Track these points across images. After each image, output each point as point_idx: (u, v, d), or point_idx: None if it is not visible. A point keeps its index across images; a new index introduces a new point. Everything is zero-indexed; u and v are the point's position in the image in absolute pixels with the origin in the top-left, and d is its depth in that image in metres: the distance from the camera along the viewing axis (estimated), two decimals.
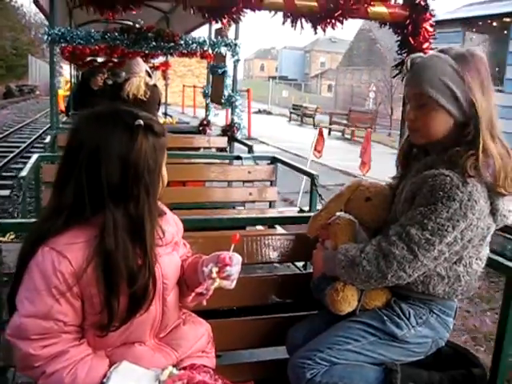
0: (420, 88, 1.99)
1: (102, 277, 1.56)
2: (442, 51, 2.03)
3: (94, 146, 1.56)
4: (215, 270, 1.73)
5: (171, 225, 1.85)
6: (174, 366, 1.77)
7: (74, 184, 1.57)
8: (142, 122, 1.59)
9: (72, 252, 1.54)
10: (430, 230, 1.89)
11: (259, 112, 34.07)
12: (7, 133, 17.03)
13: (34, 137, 16.33)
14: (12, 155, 12.40)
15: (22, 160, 11.48)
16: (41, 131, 17.71)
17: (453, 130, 1.98)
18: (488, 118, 1.92)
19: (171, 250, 1.82)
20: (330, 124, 25.19)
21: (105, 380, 1.59)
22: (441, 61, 1.99)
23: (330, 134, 23.71)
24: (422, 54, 2.11)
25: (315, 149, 9.33)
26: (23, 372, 1.67)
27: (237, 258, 1.77)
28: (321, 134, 9.66)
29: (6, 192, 8.00)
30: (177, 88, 32.21)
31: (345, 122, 24.72)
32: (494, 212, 1.96)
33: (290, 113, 32.05)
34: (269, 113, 36.29)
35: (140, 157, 1.58)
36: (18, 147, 13.82)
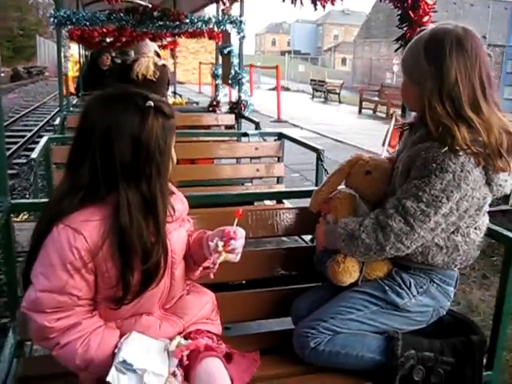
0: (401, 60, 2.13)
1: (118, 253, 1.62)
2: (432, 28, 2.08)
3: (105, 127, 1.61)
4: (221, 243, 1.79)
5: (178, 202, 1.91)
6: (180, 334, 1.83)
7: (89, 164, 1.62)
8: (152, 104, 1.64)
9: (87, 229, 1.60)
10: (424, 201, 1.93)
11: (274, 89, 32.83)
12: (12, 119, 15.45)
13: (42, 123, 14.82)
14: (15, 147, 10.83)
15: (25, 153, 10.35)
16: (48, 117, 16.33)
17: (423, 104, 2.01)
18: (451, 97, 1.94)
19: (178, 225, 1.88)
20: (361, 101, 22.86)
21: (116, 350, 1.66)
22: (418, 37, 2.06)
23: (360, 112, 22.42)
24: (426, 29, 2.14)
25: (389, 144, 8.74)
26: (38, 343, 1.75)
27: (241, 232, 1.83)
28: (396, 125, 9.08)
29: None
30: (190, 65, 31.28)
31: (376, 98, 22.54)
32: (489, 182, 1.99)
33: (313, 89, 29.68)
34: (287, 89, 33.61)
35: (151, 137, 1.63)
36: (22, 137, 12.19)
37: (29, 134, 12.52)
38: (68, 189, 1.67)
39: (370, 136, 12.23)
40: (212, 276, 1.89)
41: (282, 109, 17.66)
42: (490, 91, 1.98)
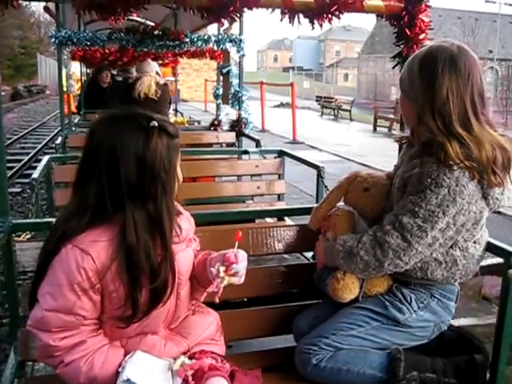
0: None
1: (125, 273, 1.63)
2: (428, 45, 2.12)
3: (111, 148, 1.63)
4: (222, 269, 1.80)
5: (185, 222, 1.92)
6: (185, 354, 1.83)
7: (95, 184, 1.65)
8: (156, 124, 1.66)
9: (95, 250, 1.61)
10: (421, 217, 1.94)
11: (281, 105, 31.65)
12: (10, 141, 14.38)
13: (40, 146, 13.95)
14: (11, 173, 9.80)
15: (19, 181, 9.74)
16: (47, 138, 15.55)
17: (418, 120, 2.04)
18: (442, 114, 1.97)
19: (185, 246, 1.89)
20: (376, 119, 21.94)
21: (120, 369, 1.66)
22: (416, 53, 2.11)
23: (375, 130, 21.63)
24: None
25: None
26: (43, 360, 1.77)
27: (242, 255, 1.83)
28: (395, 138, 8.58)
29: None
30: (193, 82, 31.02)
31: (391, 115, 21.09)
32: (485, 196, 2.00)
33: (322, 106, 28.72)
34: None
35: (156, 157, 1.65)
36: (18, 161, 11.17)
37: (26, 158, 11.70)
38: (75, 209, 1.69)
39: (393, 158, 12.14)
40: (217, 300, 1.89)
41: (287, 127, 17.01)
42: (481, 110, 2.00)
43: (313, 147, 14.98)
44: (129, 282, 1.64)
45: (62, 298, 1.61)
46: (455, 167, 1.91)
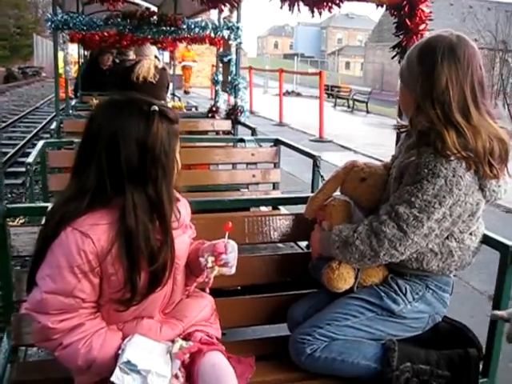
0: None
1: (125, 255, 1.65)
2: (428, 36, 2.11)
3: (112, 132, 1.65)
4: (211, 259, 1.82)
5: (183, 208, 1.92)
6: (183, 338, 1.85)
7: (95, 168, 1.66)
8: (157, 108, 1.68)
9: (96, 233, 1.63)
10: (417, 207, 1.94)
11: (287, 93, 28.50)
12: None
13: (30, 135, 12.37)
14: None
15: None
16: (39, 126, 13.95)
17: (418, 109, 2.04)
18: (441, 103, 1.96)
19: (182, 232, 1.91)
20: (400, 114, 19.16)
21: (120, 352, 1.67)
22: (416, 45, 2.10)
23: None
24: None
25: None
26: (40, 344, 1.77)
27: (231, 246, 1.84)
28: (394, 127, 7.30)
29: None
30: (194, 68, 30.73)
31: None
32: (482, 188, 2.00)
33: (336, 97, 25.15)
34: (298, 94, 29.81)
35: (156, 141, 1.67)
36: (4, 154, 9.49)
37: (12, 151, 10.21)
38: (74, 192, 1.69)
39: None
40: (207, 290, 1.91)
41: (306, 119, 15.72)
42: (481, 99, 2.00)
43: (344, 147, 12.52)
44: (128, 265, 1.65)
45: (62, 281, 1.62)
46: (452, 157, 1.91)
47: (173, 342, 1.81)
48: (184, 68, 24.73)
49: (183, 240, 1.90)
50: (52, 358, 1.80)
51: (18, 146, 10.90)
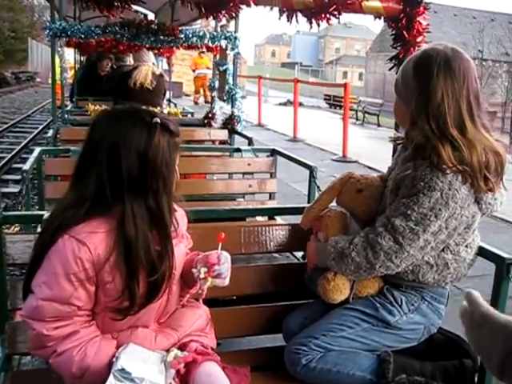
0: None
1: (124, 264, 1.65)
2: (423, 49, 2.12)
3: (114, 141, 1.66)
4: (204, 270, 1.82)
5: (180, 218, 1.93)
6: (178, 348, 1.84)
7: (95, 176, 1.67)
8: (158, 120, 1.69)
9: (92, 241, 1.63)
10: (413, 220, 1.95)
11: (288, 103, 26.50)
12: None
13: (18, 148, 11.04)
14: None
15: None
16: (29, 137, 12.61)
17: (413, 123, 2.04)
18: (437, 117, 1.97)
19: (178, 241, 1.90)
20: (397, 126, 14.58)
21: (114, 360, 1.66)
22: (411, 57, 2.11)
23: None
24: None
25: None
26: (35, 351, 1.75)
27: (224, 257, 1.85)
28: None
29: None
30: (192, 76, 29.79)
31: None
32: (478, 201, 2.01)
33: (365, 112, 21.24)
34: (299, 104, 25.64)
35: (158, 152, 1.68)
36: None
37: None
38: (73, 200, 1.70)
39: None
40: (201, 301, 1.94)
41: (319, 134, 14.51)
42: (477, 112, 2.01)
43: (372, 169, 10.04)
44: (126, 274, 1.66)
45: (58, 288, 1.62)
46: (448, 171, 1.91)
47: (167, 351, 1.80)
48: (197, 77, 22.43)
49: (179, 250, 1.89)
50: (46, 367, 1.80)
51: (5, 160, 9.80)
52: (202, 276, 1.82)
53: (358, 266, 2.06)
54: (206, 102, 20.45)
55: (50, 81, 8.03)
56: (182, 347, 1.85)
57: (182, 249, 1.93)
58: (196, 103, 22.41)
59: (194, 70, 22.37)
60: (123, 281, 1.66)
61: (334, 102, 27.51)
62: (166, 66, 14.77)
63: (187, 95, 25.56)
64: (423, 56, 2.05)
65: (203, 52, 18.48)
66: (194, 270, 1.84)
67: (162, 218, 1.71)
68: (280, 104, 27.87)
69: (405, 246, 1.97)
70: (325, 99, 29.90)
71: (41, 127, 14.81)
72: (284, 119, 16.39)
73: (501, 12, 49.59)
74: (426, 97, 1.98)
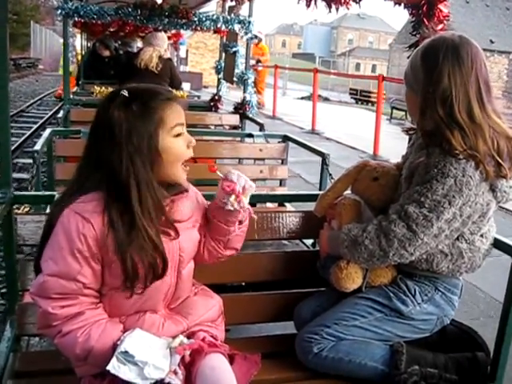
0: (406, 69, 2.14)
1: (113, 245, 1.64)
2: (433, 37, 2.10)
3: (94, 120, 1.72)
4: (232, 199, 1.82)
5: (193, 201, 1.91)
6: (183, 333, 1.82)
7: (86, 158, 1.73)
8: (125, 93, 1.68)
9: (95, 219, 1.63)
10: (427, 207, 1.93)
11: (309, 97, 22.53)
12: None
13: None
14: None
15: None
16: (19, 141, 9.77)
17: (424, 110, 2.02)
18: (445, 103, 1.95)
19: (191, 225, 1.89)
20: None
21: (118, 342, 1.65)
22: (423, 45, 2.08)
23: None
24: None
25: None
26: (42, 330, 1.74)
27: (232, 174, 1.86)
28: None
29: None
30: (207, 64, 27.40)
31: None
32: (493, 189, 1.98)
33: (392, 108, 18.44)
34: (325, 99, 24.61)
35: (114, 125, 1.65)
36: None
37: None
38: (73, 181, 1.74)
39: None
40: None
41: (346, 131, 13.27)
42: (487, 98, 1.99)
43: None
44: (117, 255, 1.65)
45: (64, 264, 1.62)
46: (461, 156, 1.89)
47: (174, 338, 1.78)
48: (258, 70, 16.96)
49: (191, 233, 1.88)
50: (54, 348, 1.78)
51: None
52: (236, 206, 1.81)
53: (372, 254, 2.04)
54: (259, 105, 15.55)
55: (60, 69, 7.98)
56: (190, 336, 1.83)
57: (194, 233, 1.91)
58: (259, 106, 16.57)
59: (260, 62, 16.87)
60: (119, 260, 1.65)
61: (361, 97, 26.00)
62: (183, 55, 14.40)
63: (205, 87, 22.69)
64: (430, 44, 2.04)
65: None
66: (228, 207, 1.82)
67: (127, 195, 1.65)
68: (302, 98, 25.11)
69: (418, 234, 1.95)
70: (350, 93, 28.10)
71: (35, 126, 11.74)
72: (303, 113, 15.45)
73: None
74: (434, 84, 1.96)
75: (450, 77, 1.94)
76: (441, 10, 2.64)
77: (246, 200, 1.82)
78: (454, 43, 1.97)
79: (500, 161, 1.92)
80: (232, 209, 1.82)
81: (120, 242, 1.63)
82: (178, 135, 1.76)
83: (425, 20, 2.66)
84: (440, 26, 2.66)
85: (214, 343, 1.82)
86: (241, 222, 1.96)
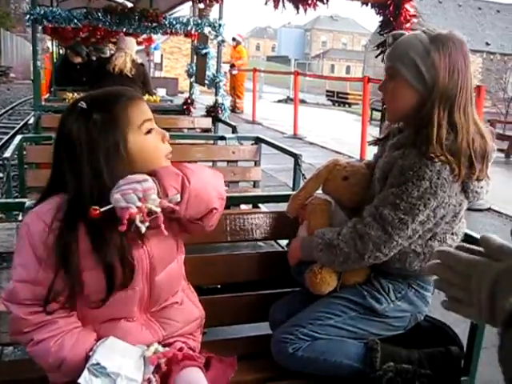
0: (391, 62, 2.06)
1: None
2: (423, 32, 2.05)
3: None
4: (138, 221, 1.56)
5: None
6: (159, 343, 1.79)
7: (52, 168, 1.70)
8: (83, 105, 1.61)
9: (48, 218, 1.60)
10: (402, 209, 1.94)
11: (287, 100, 24.39)
12: None
13: None
14: None
15: None
16: None
17: (418, 108, 2.01)
18: (450, 101, 1.95)
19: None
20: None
21: (90, 353, 1.63)
22: (416, 39, 2.02)
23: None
24: (404, 32, 2.15)
25: None
26: (14, 336, 1.72)
27: (115, 202, 1.52)
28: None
29: None
30: (182, 69, 28.24)
31: (510, 133, 13.39)
32: (465, 189, 2.01)
33: (372, 109, 16.78)
34: (302, 101, 22.15)
35: (74, 140, 1.60)
36: None
37: None
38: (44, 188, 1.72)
39: None
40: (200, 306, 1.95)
41: (329, 135, 13.06)
42: (475, 97, 2.02)
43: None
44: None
45: (30, 268, 1.59)
46: (436, 160, 1.90)
47: (149, 346, 1.74)
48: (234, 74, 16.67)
49: (162, 239, 1.71)
50: (28, 357, 1.76)
51: None
52: (146, 224, 1.57)
53: (347, 257, 2.04)
54: (234, 108, 16.11)
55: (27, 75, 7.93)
56: (167, 345, 1.80)
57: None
58: (236, 110, 16.55)
59: (234, 66, 16.58)
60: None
61: (338, 99, 26.00)
62: (157, 60, 14.40)
63: (181, 92, 21.74)
64: (439, 35, 1.99)
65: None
66: (143, 231, 1.57)
67: (83, 208, 1.55)
68: (279, 101, 25.24)
69: (393, 236, 1.96)
70: (327, 95, 28.11)
71: (6, 138, 10.98)
72: (282, 117, 15.34)
73: (507, 3, 49.41)
74: (443, 81, 1.95)
75: (458, 72, 1.94)
76: (407, 10, 2.66)
77: (154, 197, 1.55)
78: (461, 39, 1.99)
79: (474, 161, 1.93)
80: (145, 228, 1.57)
81: (65, 246, 1.58)
82: (149, 132, 1.70)
83: (391, 19, 2.67)
84: (407, 25, 2.68)
85: (192, 355, 1.78)
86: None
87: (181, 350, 1.79)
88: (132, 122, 1.66)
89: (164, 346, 1.79)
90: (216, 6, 6.07)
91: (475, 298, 0.88)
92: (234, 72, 16.16)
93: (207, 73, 6.33)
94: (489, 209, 7.27)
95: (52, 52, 13.02)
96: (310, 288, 2.19)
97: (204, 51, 6.36)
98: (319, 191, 2.37)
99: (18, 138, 4.15)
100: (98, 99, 1.67)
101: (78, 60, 9.82)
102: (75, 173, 1.60)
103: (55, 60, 12.33)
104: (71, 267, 1.59)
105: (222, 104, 6.16)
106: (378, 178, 2.11)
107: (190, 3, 7.03)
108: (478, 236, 2.14)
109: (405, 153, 1.98)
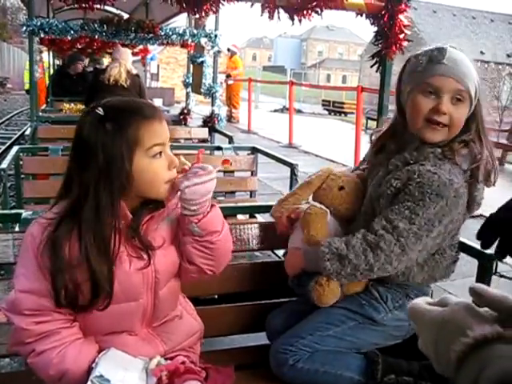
0: (463, 83, 1.99)
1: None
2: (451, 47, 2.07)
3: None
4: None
5: (164, 229, 1.78)
6: (161, 356, 1.79)
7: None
8: (100, 111, 1.58)
9: (46, 227, 1.59)
10: (417, 224, 1.93)
11: (283, 110, 23.93)
12: None
13: None
14: None
15: None
16: None
17: (467, 126, 2.06)
18: (480, 112, 2.05)
19: (168, 244, 1.77)
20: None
21: (93, 365, 1.62)
22: (462, 56, 2.04)
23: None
24: (453, 46, 2.11)
25: None
26: (15, 347, 1.69)
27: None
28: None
29: None
30: (179, 79, 28.05)
31: (504, 141, 12.64)
32: (470, 203, 2.04)
33: (367, 118, 18.15)
34: (298, 111, 23.20)
35: (84, 144, 1.58)
36: None
37: None
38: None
39: None
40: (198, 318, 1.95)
41: (323, 143, 13.09)
42: None
43: None
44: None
45: (33, 279, 1.57)
46: (454, 178, 1.94)
47: (150, 358, 1.74)
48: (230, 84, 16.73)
49: (167, 254, 1.76)
50: (25, 369, 1.75)
51: None
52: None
53: (356, 269, 1.98)
54: (230, 118, 16.17)
55: (26, 86, 7.95)
56: (169, 358, 1.80)
57: (171, 253, 1.78)
58: (232, 119, 16.60)
59: (229, 76, 16.66)
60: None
61: (334, 108, 26.11)
62: (154, 70, 14.48)
63: (178, 102, 21.72)
64: (468, 59, 2.04)
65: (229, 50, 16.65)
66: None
67: (80, 219, 1.57)
68: (275, 111, 25.13)
69: (406, 250, 1.94)
70: (323, 105, 28.24)
71: (3, 148, 10.83)
72: (278, 126, 15.27)
73: (500, 12, 49.86)
74: (478, 98, 2.03)
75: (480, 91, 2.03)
76: (401, 20, 2.68)
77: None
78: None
79: (493, 169, 2.02)
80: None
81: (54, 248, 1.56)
82: (156, 155, 1.64)
83: (386, 30, 2.69)
84: (401, 36, 2.70)
85: (194, 369, 1.78)
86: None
87: (183, 363, 1.79)
88: (141, 144, 1.60)
89: (166, 358, 1.80)
90: (212, 17, 6.08)
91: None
92: (230, 82, 16.24)
93: (203, 81, 6.35)
94: (480, 215, 7.24)
95: (44, 62, 13.02)
96: (315, 301, 2.13)
97: (200, 60, 6.38)
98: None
99: (15, 148, 4.14)
100: (115, 109, 1.61)
101: (80, 68, 9.85)
102: (79, 174, 1.60)
103: (51, 71, 12.37)
104: (61, 273, 1.56)
105: (219, 114, 6.17)
106: (388, 193, 2.05)
107: (186, 14, 7.08)
108: (470, 243, 2.19)
109: (421, 169, 1.97)
